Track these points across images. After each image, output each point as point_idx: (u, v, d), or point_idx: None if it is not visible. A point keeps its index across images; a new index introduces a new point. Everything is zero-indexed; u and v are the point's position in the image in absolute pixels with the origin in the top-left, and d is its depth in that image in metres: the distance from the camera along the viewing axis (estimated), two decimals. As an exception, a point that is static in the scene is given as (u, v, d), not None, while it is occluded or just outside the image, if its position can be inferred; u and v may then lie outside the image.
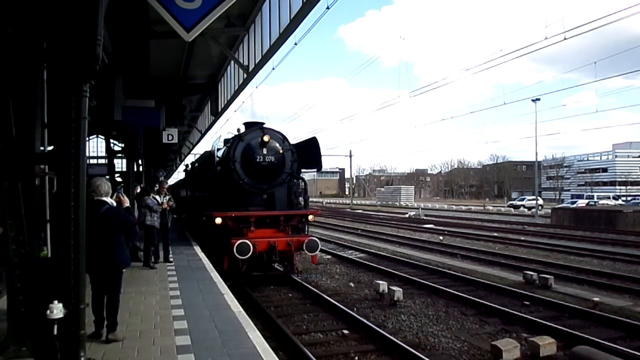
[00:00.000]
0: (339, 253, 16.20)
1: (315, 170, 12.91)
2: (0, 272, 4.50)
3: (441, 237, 21.26)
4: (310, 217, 11.42)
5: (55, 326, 3.57)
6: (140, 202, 10.02)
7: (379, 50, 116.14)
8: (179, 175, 39.15)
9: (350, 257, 15.24)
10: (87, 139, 4.00)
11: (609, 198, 56.83)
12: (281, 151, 10.95)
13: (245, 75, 10.79)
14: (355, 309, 8.54)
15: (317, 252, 10.63)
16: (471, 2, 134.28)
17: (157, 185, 11.09)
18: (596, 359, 5.26)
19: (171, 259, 10.32)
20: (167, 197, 10.56)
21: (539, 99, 34.57)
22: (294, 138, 12.47)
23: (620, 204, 47.33)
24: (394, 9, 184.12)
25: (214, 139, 21.63)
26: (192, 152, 29.51)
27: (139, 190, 11.12)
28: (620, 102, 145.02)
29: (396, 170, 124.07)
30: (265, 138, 10.59)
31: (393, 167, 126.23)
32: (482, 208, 54.63)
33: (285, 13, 7.90)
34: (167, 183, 12.53)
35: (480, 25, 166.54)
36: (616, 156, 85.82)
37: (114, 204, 5.21)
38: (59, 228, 3.67)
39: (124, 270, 5.29)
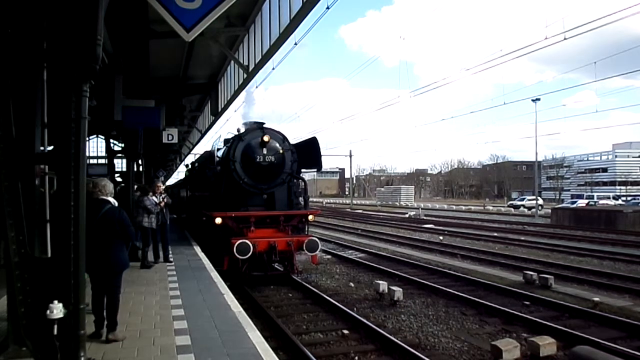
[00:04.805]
0: (339, 253, 16.20)
1: (315, 170, 12.91)
2: None
3: (441, 237, 21.26)
4: (310, 217, 11.42)
5: (55, 326, 3.57)
6: (138, 203, 9.99)
7: (379, 50, 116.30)
8: (179, 175, 39.19)
9: (350, 257, 15.24)
10: (87, 139, 4.00)
11: (609, 198, 56.83)
12: (281, 151, 10.95)
13: (245, 75, 10.78)
14: (355, 309, 8.54)
15: (317, 252, 10.64)
16: (471, 2, 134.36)
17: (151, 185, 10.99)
18: (596, 359, 5.26)
19: (171, 259, 10.32)
20: (163, 196, 10.54)
21: (539, 99, 34.69)
22: (294, 138, 12.49)
23: (620, 204, 47.29)
24: (394, 9, 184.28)
25: (214, 139, 21.63)
26: (192, 152, 29.51)
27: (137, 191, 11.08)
28: (620, 102, 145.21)
29: (396, 170, 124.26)
30: (265, 138, 10.59)
31: (393, 167, 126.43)
32: (482, 208, 54.62)
33: (285, 13, 7.89)
34: (160, 181, 12.41)
35: (480, 25, 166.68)
36: (616, 156, 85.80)
37: (116, 204, 5.21)
38: (59, 228, 3.67)
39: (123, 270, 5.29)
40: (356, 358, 6.22)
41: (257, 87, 14.50)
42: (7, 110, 3.82)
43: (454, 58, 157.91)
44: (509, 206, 54.57)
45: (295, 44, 9.55)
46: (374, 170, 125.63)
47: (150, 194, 10.02)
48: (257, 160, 10.66)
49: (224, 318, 5.86)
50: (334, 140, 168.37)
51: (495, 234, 22.76)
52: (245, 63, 10.43)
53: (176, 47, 10.13)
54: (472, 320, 7.93)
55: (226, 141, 11.88)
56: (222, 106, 14.17)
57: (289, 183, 11.33)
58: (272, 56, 9.40)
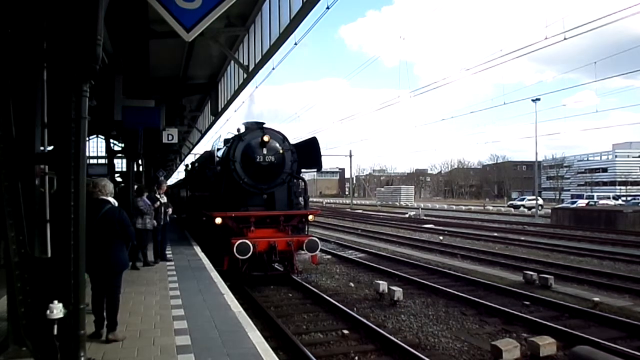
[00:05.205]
0: (339, 253, 16.20)
1: (315, 170, 12.91)
2: None
3: (441, 237, 21.26)
4: (310, 217, 11.42)
5: (55, 326, 3.57)
6: (133, 203, 9.94)
7: (379, 50, 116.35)
8: (179, 175, 39.21)
9: (350, 257, 15.24)
10: (87, 139, 4.00)
11: (609, 198, 56.84)
12: (281, 151, 10.95)
13: (245, 75, 10.79)
14: (355, 309, 8.54)
15: (317, 252, 10.63)
16: (471, 2, 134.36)
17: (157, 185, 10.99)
18: (596, 359, 5.26)
19: (170, 258, 10.31)
20: (163, 200, 10.49)
21: (539, 99, 34.68)
22: (294, 138, 12.49)
23: (620, 204, 47.30)
24: (394, 9, 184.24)
25: (214, 139, 21.64)
26: (192, 152, 29.56)
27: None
28: (620, 102, 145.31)
29: (396, 170, 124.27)
30: (265, 138, 10.59)
31: (393, 167, 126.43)
32: (482, 208, 54.61)
33: (285, 13, 7.90)
34: (165, 182, 12.42)
35: (480, 25, 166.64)
36: (616, 156, 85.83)
37: (116, 204, 5.21)
38: (59, 228, 3.67)
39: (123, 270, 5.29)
40: (356, 358, 6.22)
41: (257, 87, 14.51)
42: (7, 110, 3.83)
43: (454, 58, 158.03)
44: (509, 206, 54.57)
45: (295, 44, 9.57)
46: (374, 170, 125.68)
47: (146, 194, 9.97)
48: (257, 160, 10.66)
49: (224, 318, 5.86)
50: (334, 140, 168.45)
51: (495, 234, 22.76)
52: (245, 63, 10.44)
53: (176, 47, 10.14)
54: (472, 320, 7.93)
55: (226, 141, 11.87)
56: (222, 106, 14.19)
57: (289, 183, 11.33)
58: (272, 56, 9.42)
